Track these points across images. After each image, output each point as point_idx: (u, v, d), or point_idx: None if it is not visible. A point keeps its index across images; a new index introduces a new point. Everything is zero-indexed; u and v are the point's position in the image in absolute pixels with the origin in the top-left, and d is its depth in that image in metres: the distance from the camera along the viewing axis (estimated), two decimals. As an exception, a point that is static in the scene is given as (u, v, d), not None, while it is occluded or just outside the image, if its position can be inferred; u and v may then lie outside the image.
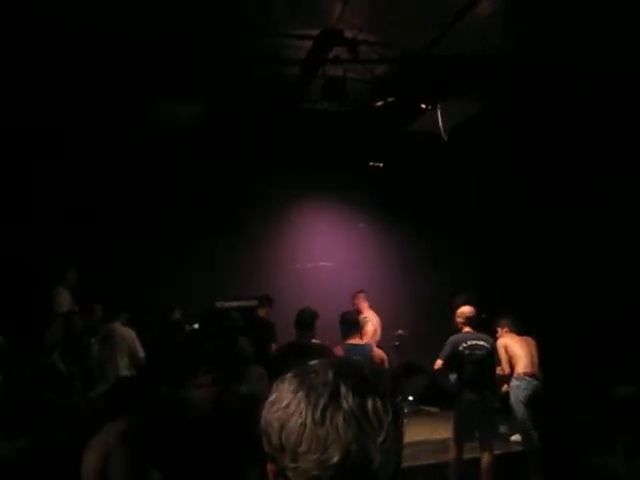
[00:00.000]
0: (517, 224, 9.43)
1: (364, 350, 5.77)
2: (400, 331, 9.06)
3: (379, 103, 6.97)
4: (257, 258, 9.20)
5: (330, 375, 1.02)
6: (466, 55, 6.57)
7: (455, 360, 6.51)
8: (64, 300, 6.06)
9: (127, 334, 6.85)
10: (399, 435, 1.01)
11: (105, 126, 7.87)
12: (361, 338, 6.06)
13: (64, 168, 8.20)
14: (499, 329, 7.47)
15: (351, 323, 5.94)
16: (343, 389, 0.99)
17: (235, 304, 8.78)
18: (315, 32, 6.34)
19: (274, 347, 7.35)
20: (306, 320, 5.74)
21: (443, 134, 7.37)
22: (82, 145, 8.14)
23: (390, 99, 6.90)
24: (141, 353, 6.76)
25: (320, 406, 0.98)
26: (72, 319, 5.91)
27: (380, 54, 6.65)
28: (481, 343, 6.53)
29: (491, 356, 6.61)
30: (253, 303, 8.88)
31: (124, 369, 6.58)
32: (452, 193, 9.55)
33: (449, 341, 6.65)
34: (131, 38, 6.16)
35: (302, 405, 0.99)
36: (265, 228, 9.33)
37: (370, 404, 0.99)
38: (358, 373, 1.05)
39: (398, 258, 9.48)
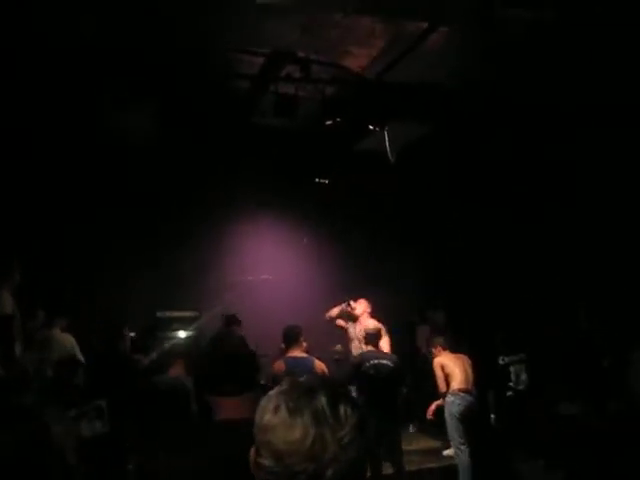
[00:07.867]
0: (462, 242, 9.75)
1: (306, 363, 5.76)
2: (338, 346, 9.11)
3: (328, 122, 7.12)
4: (200, 270, 9.19)
5: (313, 383, 1.24)
6: (414, 82, 6.80)
7: (359, 379, 6.25)
8: (6, 303, 5.91)
9: (66, 340, 6.76)
10: (360, 437, 1.18)
11: (57, 129, 7.79)
12: (302, 350, 6.10)
13: (15, 167, 8.06)
14: (433, 349, 7.42)
15: (291, 336, 5.97)
16: (320, 395, 1.19)
17: (176, 314, 8.79)
18: (268, 50, 6.47)
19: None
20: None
21: (390, 155, 7.58)
22: (33, 145, 8.01)
23: (339, 119, 7.06)
24: (80, 359, 6.68)
25: (295, 403, 1.18)
26: (7, 323, 5.78)
27: (331, 75, 6.83)
28: (384, 362, 6.32)
29: (395, 375, 6.35)
30: (193, 314, 8.87)
31: (62, 375, 6.50)
32: (397, 212, 9.79)
33: (351, 361, 6.53)
34: (84, 50, 6.17)
35: (281, 401, 1.20)
36: (210, 240, 9.34)
37: (342, 409, 1.18)
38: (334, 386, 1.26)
39: (340, 275, 9.60)
